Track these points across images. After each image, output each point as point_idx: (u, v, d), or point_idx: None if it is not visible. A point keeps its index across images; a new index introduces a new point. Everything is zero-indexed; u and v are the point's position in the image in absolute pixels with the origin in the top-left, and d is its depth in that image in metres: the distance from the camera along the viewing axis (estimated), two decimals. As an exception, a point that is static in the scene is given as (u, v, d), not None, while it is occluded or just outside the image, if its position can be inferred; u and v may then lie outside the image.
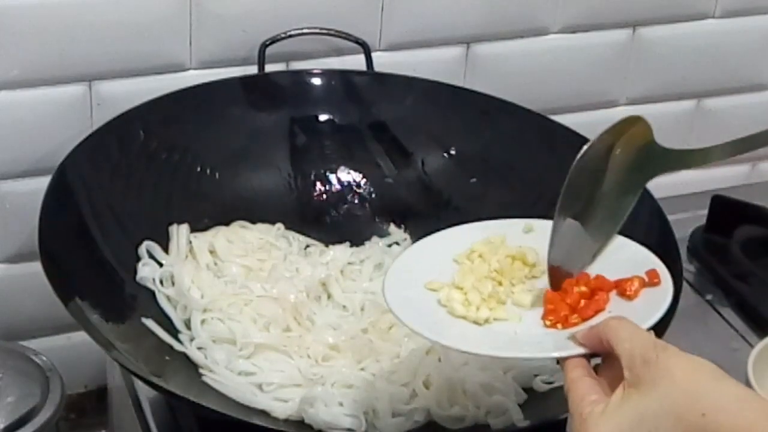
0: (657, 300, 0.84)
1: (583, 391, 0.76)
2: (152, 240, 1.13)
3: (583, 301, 0.85)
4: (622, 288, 0.85)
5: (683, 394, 0.71)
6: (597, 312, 0.83)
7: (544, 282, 0.88)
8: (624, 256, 0.89)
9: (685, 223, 1.34)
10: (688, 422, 0.70)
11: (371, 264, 1.17)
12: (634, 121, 0.87)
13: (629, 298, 0.84)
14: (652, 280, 0.85)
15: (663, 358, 0.73)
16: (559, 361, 0.80)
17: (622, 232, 0.92)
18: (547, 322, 0.84)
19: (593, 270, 0.87)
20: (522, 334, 0.85)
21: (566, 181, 0.85)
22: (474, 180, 1.23)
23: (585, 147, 0.85)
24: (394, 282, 0.89)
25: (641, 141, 0.88)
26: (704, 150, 0.90)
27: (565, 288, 0.86)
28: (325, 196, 1.25)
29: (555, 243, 0.86)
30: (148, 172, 1.17)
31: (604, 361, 0.78)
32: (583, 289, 0.86)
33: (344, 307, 1.12)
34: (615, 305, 0.84)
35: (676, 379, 0.71)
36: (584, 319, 0.83)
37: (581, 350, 0.79)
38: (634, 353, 0.74)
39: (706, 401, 0.70)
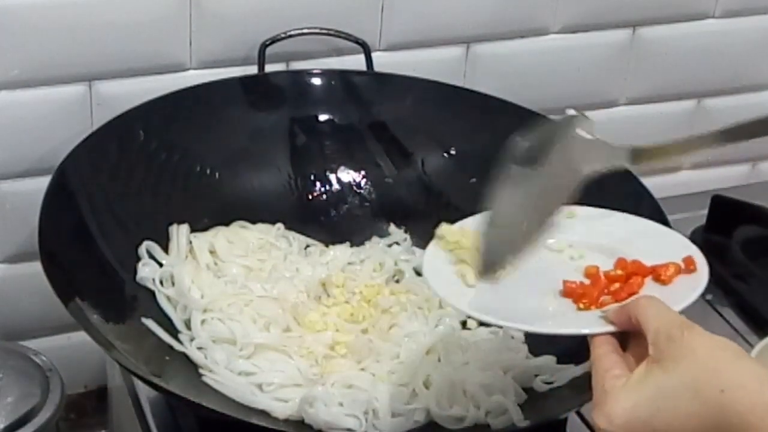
0: (690, 286, 0.85)
1: (607, 365, 0.77)
2: (152, 240, 1.13)
3: (617, 284, 0.86)
4: (657, 273, 0.86)
5: (703, 371, 0.71)
6: (630, 295, 0.84)
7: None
8: (662, 243, 0.91)
9: (685, 223, 1.33)
10: (707, 398, 0.70)
11: (371, 264, 1.17)
12: (576, 120, 0.88)
13: (664, 283, 0.86)
14: (688, 266, 0.87)
15: (688, 336, 0.73)
16: (589, 339, 0.80)
17: None
18: (581, 305, 0.85)
19: (631, 255, 0.88)
20: (555, 312, 0.86)
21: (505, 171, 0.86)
22: (474, 180, 1.23)
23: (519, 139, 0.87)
24: (433, 253, 0.91)
25: (583, 138, 0.89)
26: (649, 148, 0.89)
27: (594, 275, 0.88)
28: (325, 196, 1.25)
29: (487, 235, 0.86)
30: (148, 172, 1.17)
31: (632, 339, 0.79)
32: (620, 272, 0.87)
33: (344, 307, 1.13)
34: (649, 290, 0.85)
35: (697, 357, 0.72)
36: (617, 302, 0.84)
37: (610, 328, 0.80)
38: (659, 330, 0.74)
39: (725, 378, 0.70)
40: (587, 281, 0.88)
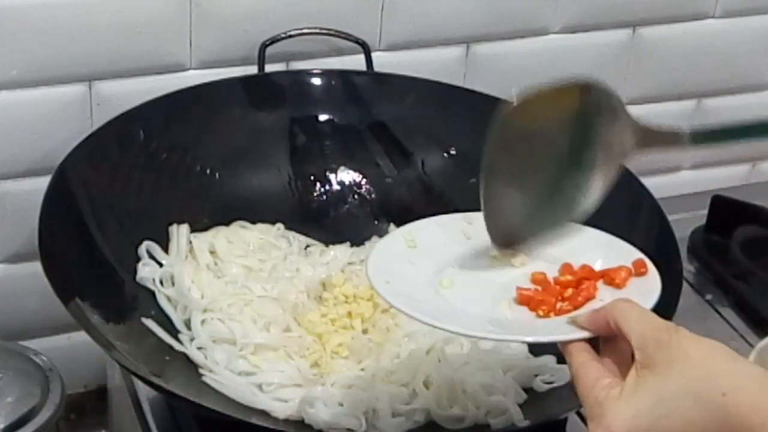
0: (647, 288, 0.84)
1: (595, 374, 0.75)
2: (152, 240, 1.13)
3: (570, 290, 0.84)
4: (609, 277, 0.85)
5: (701, 375, 0.70)
6: (588, 300, 0.83)
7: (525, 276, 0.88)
8: (606, 249, 0.89)
9: (685, 223, 1.34)
10: (708, 402, 0.70)
11: (371, 264, 1.17)
12: (591, 89, 0.87)
13: (618, 286, 0.84)
14: (639, 269, 0.85)
15: (676, 339, 0.72)
16: (561, 346, 0.79)
17: (612, 231, 0.92)
18: (540, 312, 0.83)
19: (577, 261, 0.87)
20: (517, 321, 0.84)
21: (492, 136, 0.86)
22: (474, 180, 1.22)
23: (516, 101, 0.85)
24: (380, 258, 0.89)
25: (606, 112, 0.87)
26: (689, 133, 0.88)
27: (542, 281, 0.86)
28: (325, 196, 1.25)
29: (490, 210, 0.85)
30: (148, 172, 1.17)
31: (607, 344, 0.77)
32: (569, 278, 0.86)
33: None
34: (606, 294, 0.83)
35: (692, 360, 0.71)
36: (575, 307, 0.82)
37: (585, 334, 0.78)
38: (645, 334, 0.73)
39: (724, 381, 0.70)
40: (538, 288, 0.86)
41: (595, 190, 0.89)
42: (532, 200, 0.88)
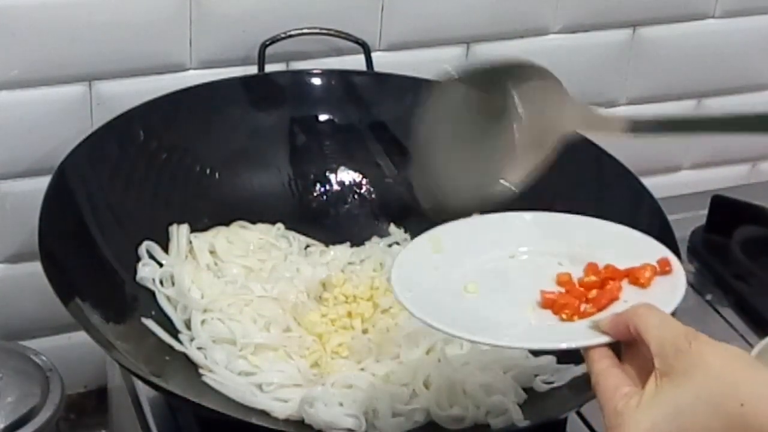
0: (672, 288, 0.82)
1: (615, 383, 0.74)
2: (152, 240, 1.13)
3: (595, 291, 0.83)
4: (634, 276, 0.83)
5: (720, 384, 0.70)
6: (611, 301, 0.82)
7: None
8: (632, 246, 0.88)
9: (685, 223, 1.33)
10: (726, 412, 0.69)
11: (371, 264, 1.17)
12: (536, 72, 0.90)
13: (642, 286, 0.83)
14: (663, 268, 0.84)
15: (696, 346, 0.71)
16: (582, 351, 0.78)
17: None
18: (564, 316, 0.82)
19: (602, 260, 0.86)
20: (539, 326, 0.83)
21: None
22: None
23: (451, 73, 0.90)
24: (404, 265, 0.88)
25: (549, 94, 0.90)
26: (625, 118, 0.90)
27: (567, 283, 0.86)
28: (325, 196, 1.25)
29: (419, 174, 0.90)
30: (148, 172, 1.17)
31: (628, 349, 0.77)
32: (593, 279, 0.85)
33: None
34: (630, 294, 0.82)
35: (711, 369, 0.70)
36: (599, 309, 0.81)
37: (605, 339, 0.77)
38: (665, 341, 0.72)
39: (744, 390, 0.69)
40: (561, 290, 0.85)
41: (527, 162, 0.91)
42: (460, 168, 0.90)
